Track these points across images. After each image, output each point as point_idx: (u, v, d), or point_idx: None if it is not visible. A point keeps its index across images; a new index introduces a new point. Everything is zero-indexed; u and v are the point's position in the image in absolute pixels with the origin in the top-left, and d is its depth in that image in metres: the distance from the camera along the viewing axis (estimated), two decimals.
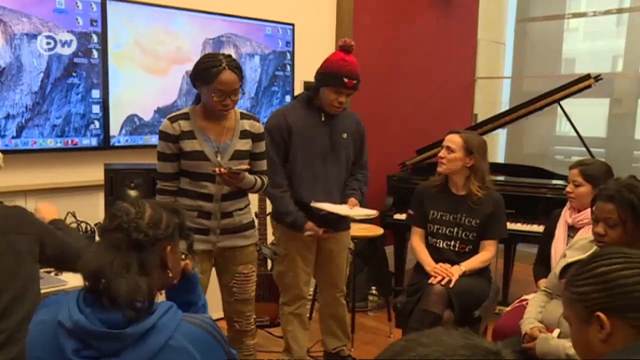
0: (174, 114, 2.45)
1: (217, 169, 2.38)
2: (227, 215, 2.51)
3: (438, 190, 2.94)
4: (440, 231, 2.92)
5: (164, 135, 2.41)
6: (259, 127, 2.55)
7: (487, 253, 2.88)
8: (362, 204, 2.94)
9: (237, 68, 2.37)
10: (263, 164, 2.59)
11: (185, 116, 2.43)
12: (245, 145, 2.50)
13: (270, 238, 3.60)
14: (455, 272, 2.76)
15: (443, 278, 2.73)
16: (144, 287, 1.33)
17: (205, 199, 2.46)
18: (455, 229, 2.88)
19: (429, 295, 2.70)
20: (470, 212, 2.87)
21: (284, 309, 2.96)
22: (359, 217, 2.78)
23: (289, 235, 2.86)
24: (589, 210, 2.65)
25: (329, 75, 2.70)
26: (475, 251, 2.89)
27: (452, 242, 2.89)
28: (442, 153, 2.87)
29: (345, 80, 2.67)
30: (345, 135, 2.86)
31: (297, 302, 2.93)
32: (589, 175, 2.68)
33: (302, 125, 2.78)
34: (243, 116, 2.53)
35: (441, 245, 2.91)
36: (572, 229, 2.77)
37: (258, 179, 2.53)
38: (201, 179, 2.44)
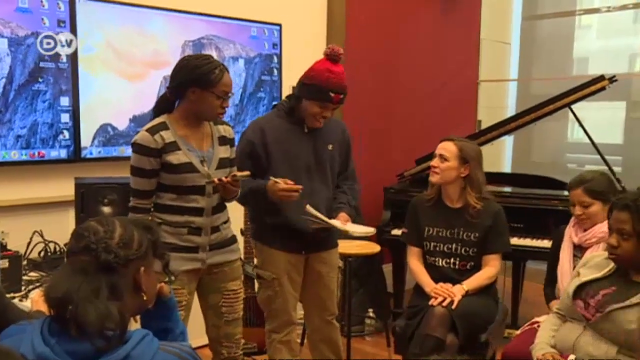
0: (150, 125, 2.42)
1: (216, 179, 2.41)
2: (216, 229, 2.53)
3: (432, 204, 2.95)
4: (437, 248, 2.92)
5: (144, 150, 2.37)
6: (232, 132, 2.61)
7: (492, 269, 2.89)
8: (356, 219, 2.93)
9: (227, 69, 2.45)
10: (235, 169, 2.64)
11: (164, 126, 2.41)
12: (226, 152, 2.55)
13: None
14: (457, 292, 2.76)
15: (444, 299, 2.72)
16: (115, 313, 1.31)
17: (195, 213, 2.46)
18: (454, 245, 2.89)
19: (429, 318, 2.70)
20: (469, 226, 2.88)
21: (272, 337, 2.93)
22: (357, 234, 2.77)
23: (275, 257, 2.84)
24: (597, 227, 2.66)
25: (313, 87, 2.67)
26: (477, 268, 2.89)
27: (452, 260, 2.90)
28: (435, 162, 2.89)
29: (332, 94, 2.65)
30: (330, 147, 2.85)
31: (286, 329, 2.92)
32: (596, 192, 2.68)
33: (282, 138, 2.76)
34: (216, 122, 2.56)
35: (440, 264, 2.92)
36: (579, 249, 2.76)
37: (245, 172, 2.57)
38: (190, 192, 2.44)
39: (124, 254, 1.38)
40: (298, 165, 2.78)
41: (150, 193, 2.44)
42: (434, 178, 2.90)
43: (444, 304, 2.71)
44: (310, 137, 2.81)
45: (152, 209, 2.47)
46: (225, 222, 2.59)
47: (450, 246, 2.90)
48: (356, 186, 2.99)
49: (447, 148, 2.88)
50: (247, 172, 2.51)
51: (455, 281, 2.83)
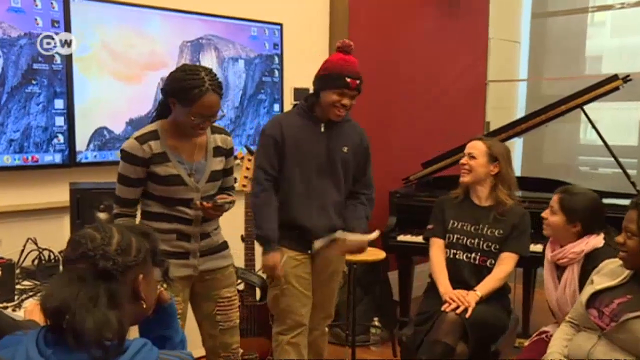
0: (140, 132, 2.42)
1: (198, 203, 2.43)
2: (206, 235, 2.56)
3: (460, 202, 3.04)
4: (459, 241, 2.98)
5: (130, 158, 2.39)
6: (230, 142, 2.61)
7: (505, 267, 2.91)
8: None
9: (219, 88, 2.39)
10: (232, 180, 2.68)
11: (154, 135, 2.42)
12: (219, 164, 2.55)
13: (258, 264, 3.59)
14: (471, 299, 2.76)
15: (458, 306, 2.73)
16: (114, 321, 1.31)
17: (184, 222, 2.49)
18: (477, 240, 2.94)
19: (440, 323, 2.72)
20: (495, 223, 2.94)
21: (279, 339, 2.94)
22: (352, 242, 2.82)
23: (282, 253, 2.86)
24: (569, 246, 2.63)
25: (329, 76, 2.76)
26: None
27: (472, 254, 2.95)
28: (464, 160, 2.98)
29: (348, 79, 2.73)
30: (345, 149, 2.90)
31: (295, 330, 2.92)
32: (566, 207, 2.66)
33: (298, 135, 2.82)
34: (214, 130, 2.56)
35: (460, 257, 2.97)
36: (558, 267, 2.72)
37: (228, 197, 2.58)
38: (178, 204, 2.46)
39: (122, 260, 1.39)
40: (310, 163, 2.83)
41: (134, 202, 2.47)
42: (465, 178, 2.99)
43: (458, 311, 2.72)
44: (325, 137, 2.86)
45: (136, 216, 2.49)
46: (215, 229, 2.62)
47: (472, 241, 2.96)
48: (373, 195, 3.05)
49: (476, 146, 2.98)
50: (232, 198, 2.55)
51: (471, 277, 2.88)
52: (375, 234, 2.83)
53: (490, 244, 2.93)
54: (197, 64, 2.43)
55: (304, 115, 2.86)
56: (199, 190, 2.46)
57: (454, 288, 2.86)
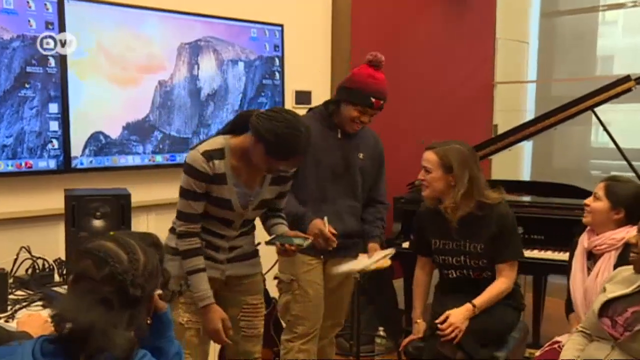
0: (208, 147, 2.38)
1: (279, 244, 2.47)
2: (236, 247, 2.58)
3: (436, 215, 2.92)
4: (447, 261, 2.94)
5: (196, 174, 2.35)
6: (292, 171, 2.58)
7: (505, 280, 2.85)
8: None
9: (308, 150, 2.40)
10: (283, 202, 2.66)
11: (220, 154, 2.38)
12: (273, 192, 2.54)
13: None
14: (460, 317, 2.72)
15: (454, 337, 2.70)
16: (131, 341, 1.37)
17: (217, 237, 2.51)
18: (462, 257, 2.90)
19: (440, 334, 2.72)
20: (473, 236, 2.86)
21: (289, 346, 2.94)
22: (372, 267, 2.85)
23: (294, 258, 2.86)
24: (609, 233, 2.66)
25: (355, 91, 2.80)
26: (495, 276, 2.89)
27: (465, 271, 2.92)
28: (421, 174, 2.89)
29: (373, 99, 2.78)
30: (361, 156, 2.95)
31: (306, 337, 2.94)
32: (612, 192, 2.70)
33: (314, 140, 2.80)
34: None
35: (454, 275, 2.94)
36: (592, 257, 2.76)
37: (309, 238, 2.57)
38: (218, 222, 2.48)
39: (149, 287, 1.43)
40: (325, 170, 2.88)
41: (199, 217, 2.43)
42: (424, 192, 2.90)
43: (455, 341, 2.68)
44: (342, 144, 2.91)
45: (200, 235, 2.45)
46: (248, 240, 2.63)
47: (459, 259, 2.90)
48: (387, 202, 3.12)
49: (428, 158, 2.86)
50: (309, 240, 2.52)
51: (473, 292, 2.83)
52: (388, 252, 2.90)
53: (477, 261, 2.87)
54: (297, 115, 2.38)
55: (321, 120, 2.90)
56: (244, 215, 2.49)
57: (457, 307, 2.78)
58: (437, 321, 2.74)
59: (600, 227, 2.71)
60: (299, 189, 2.85)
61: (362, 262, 2.86)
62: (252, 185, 2.46)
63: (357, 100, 2.79)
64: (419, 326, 2.94)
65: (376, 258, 2.86)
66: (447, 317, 2.71)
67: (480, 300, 2.78)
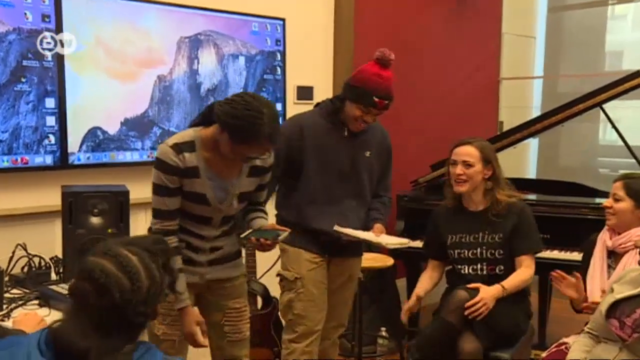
0: (177, 140, 2.35)
1: (254, 239, 2.42)
2: (217, 249, 2.54)
3: (453, 212, 3.03)
4: (462, 255, 2.98)
5: (166, 167, 2.32)
6: (268, 160, 2.53)
7: (527, 269, 2.92)
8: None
9: (276, 134, 2.32)
10: (264, 194, 2.64)
11: (191, 146, 2.35)
12: (251, 185, 2.51)
13: (260, 271, 3.59)
14: (490, 294, 2.75)
15: (481, 310, 2.73)
16: (129, 354, 1.40)
17: (196, 237, 2.47)
18: (478, 250, 2.95)
19: (449, 301, 2.78)
20: (492, 227, 2.94)
21: (292, 347, 2.93)
22: (392, 245, 2.87)
23: (298, 255, 2.89)
24: (633, 230, 2.66)
25: (358, 89, 2.76)
26: (508, 272, 2.92)
27: (478, 265, 2.95)
28: (459, 169, 2.91)
29: (376, 99, 2.73)
30: (368, 153, 2.93)
31: (309, 337, 2.92)
32: (633, 190, 2.71)
33: (320, 139, 2.83)
34: None
35: (466, 271, 2.97)
36: (613, 255, 2.77)
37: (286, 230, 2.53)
38: (195, 220, 2.44)
39: (151, 311, 1.44)
40: (332, 170, 2.86)
41: (175, 213, 2.39)
42: (462, 187, 2.93)
43: (480, 317, 2.72)
44: (349, 142, 2.87)
45: (177, 233, 2.41)
46: (228, 240, 2.59)
47: (475, 251, 2.95)
48: (391, 197, 3.10)
49: (470, 153, 2.93)
50: (286, 232, 2.47)
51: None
52: (405, 241, 2.91)
53: (493, 251, 2.93)
54: (263, 98, 2.34)
55: (327, 117, 2.87)
56: (222, 211, 2.44)
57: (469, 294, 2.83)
58: (469, 287, 2.79)
59: (626, 227, 2.72)
60: (305, 189, 2.84)
61: (373, 237, 2.82)
62: (228, 178, 2.42)
63: (360, 99, 2.75)
64: (414, 298, 3.01)
65: (391, 240, 2.86)
66: (478, 290, 2.75)
67: (509, 283, 2.84)
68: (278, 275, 3.00)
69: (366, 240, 2.84)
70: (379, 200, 3.02)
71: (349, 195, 2.91)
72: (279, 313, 3.07)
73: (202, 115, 2.45)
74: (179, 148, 2.33)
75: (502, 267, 2.94)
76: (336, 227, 2.79)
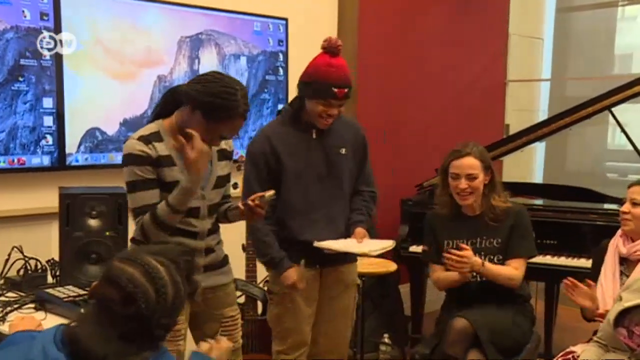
0: (142, 133, 2.35)
1: (240, 204, 2.44)
2: (211, 250, 2.53)
3: (449, 217, 3.00)
4: None
5: (137, 159, 2.29)
6: (232, 145, 2.58)
7: (515, 271, 2.90)
8: (371, 232, 2.95)
9: (247, 111, 2.36)
10: (230, 187, 2.66)
11: (157, 137, 2.35)
12: (224, 168, 2.53)
13: (260, 276, 3.58)
14: (472, 260, 2.78)
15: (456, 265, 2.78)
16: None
17: (189, 236, 2.44)
18: (476, 255, 2.90)
19: (448, 333, 2.73)
20: (490, 232, 2.93)
21: (282, 358, 2.92)
22: (377, 252, 2.76)
23: (287, 270, 2.84)
24: None
25: (314, 84, 2.68)
26: None
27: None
28: (464, 184, 2.88)
29: (335, 89, 2.65)
30: (343, 151, 2.85)
31: (298, 350, 2.90)
32: None
33: (290, 146, 2.77)
34: None
35: None
36: (626, 262, 2.76)
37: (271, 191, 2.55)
38: (185, 214, 2.38)
39: (174, 321, 1.46)
40: (309, 175, 2.79)
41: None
42: (468, 200, 2.92)
43: (463, 271, 2.76)
44: (319, 143, 2.81)
45: None
46: (218, 242, 2.59)
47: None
48: (375, 192, 3.00)
49: (472, 165, 2.89)
50: (272, 192, 2.46)
51: (482, 296, 2.87)
52: (390, 243, 2.80)
53: (492, 257, 2.92)
54: (231, 76, 2.38)
55: (290, 123, 2.80)
56: (205, 198, 2.43)
57: (464, 310, 2.83)
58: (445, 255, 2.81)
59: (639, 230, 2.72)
60: (286, 201, 2.78)
61: (355, 247, 2.75)
62: None
63: (317, 93, 2.66)
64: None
65: (374, 247, 2.75)
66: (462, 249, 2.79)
67: (491, 267, 2.84)
68: (268, 290, 2.95)
69: (349, 252, 2.78)
70: (361, 197, 2.94)
71: (333, 198, 2.84)
72: (268, 324, 3.03)
73: (159, 106, 2.45)
74: (146, 139, 2.32)
75: None
76: (316, 243, 2.72)
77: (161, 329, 1.42)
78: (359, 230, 2.81)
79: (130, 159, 2.31)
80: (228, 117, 2.28)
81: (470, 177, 2.88)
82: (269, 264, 2.82)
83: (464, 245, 2.83)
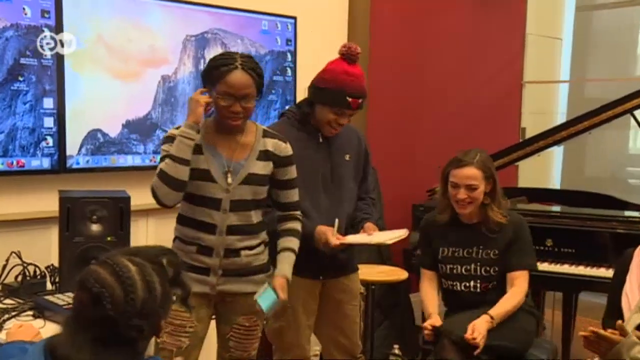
0: (178, 125, 2.51)
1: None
2: (233, 252, 2.51)
3: (445, 223, 3.00)
4: (454, 271, 2.96)
5: (172, 139, 2.43)
6: (285, 149, 2.56)
7: (519, 290, 2.88)
8: None
9: (252, 70, 2.42)
10: (293, 195, 2.63)
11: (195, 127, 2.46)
12: (263, 168, 2.52)
13: None
14: (481, 328, 2.71)
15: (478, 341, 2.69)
16: None
17: (206, 229, 2.47)
18: (472, 266, 2.93)
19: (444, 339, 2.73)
20: (487, 242, 2.92)
21: None
22: (392, 240, 2.81)
23: (290, 282, 2.83)
24: None
25: (328, 91, 2.71)
26: (501, 288, 2.91)
27: (472, 282, 2.94)
28: (463, 194, 2.88)
29: (349, 99, 2.68)
30: (348, 157, 2.90)
31: None
32: None
33: (296, 150, 2.75)
34: (266, 134, 2.56)
35: (459, 288, 2.96)
36: None
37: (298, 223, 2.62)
38: (202, 204, 2.46)
39: (149, 325, 1.43)
40: (314, 180, 2.81)
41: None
42: (467, 210, 2.92)
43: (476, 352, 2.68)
44: (325, 147, 2.84)
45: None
46: (251, 248, 2.55)
47: (468, 267, 2.94)
48: (374, 197, 3.07)
49: (473, 175, 2.89)
50: (282, 298, 2.50)
51: (477, 306, 2.84)
52: (403, 232, 2.85)
53: (488, 268, 2.91)
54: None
55: (297, 125, 2.83)
56: (229, 191, 2.45)
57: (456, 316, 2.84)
58: (466, 336, 2.72)
59: None
60: None
61: (370, 238, 2.79)
62: (234, 156, 2.48)
63: (331, 101, 2.70)
64: (435, 317, 2.90)
65: (388, 236, 2.82)
66: (472, 330, 2.71)
67: (498, 311, 2.80)
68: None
69: (365, 244, 2.82)
70: (363, 202, 2.99)
71: (337, 203, 2.86)
72: (267, 337, 3.01)
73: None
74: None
75: (495, 284, 2.92)
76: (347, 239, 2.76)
77: (132, 331, 1.39)
78: (369, 224, 2.86)
79: (166, 140, 2.47)
80: (227, 71, 2.37)
81: (470, 188, 2.88)
82: (306, 237, 2.73)
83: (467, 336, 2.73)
